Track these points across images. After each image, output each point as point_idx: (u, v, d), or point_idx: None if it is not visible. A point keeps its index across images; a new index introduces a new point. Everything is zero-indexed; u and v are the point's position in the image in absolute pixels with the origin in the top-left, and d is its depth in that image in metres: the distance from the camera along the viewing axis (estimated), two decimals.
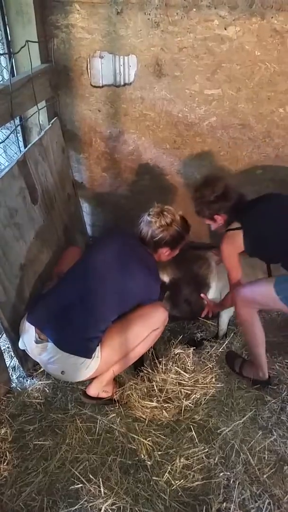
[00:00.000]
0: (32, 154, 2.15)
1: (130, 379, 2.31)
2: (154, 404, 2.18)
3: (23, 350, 2.11)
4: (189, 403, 2.18)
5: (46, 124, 2.45)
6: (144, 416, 2.12)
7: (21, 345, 2.07)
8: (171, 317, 2.31)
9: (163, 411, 2.15)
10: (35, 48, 2.25)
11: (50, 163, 2.35)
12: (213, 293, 2.61)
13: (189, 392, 2.23)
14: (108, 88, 2.45)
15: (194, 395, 2.21)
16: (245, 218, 2.25)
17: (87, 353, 1.93)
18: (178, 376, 2.31)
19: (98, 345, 1.96)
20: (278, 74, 2.22)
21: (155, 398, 2.21)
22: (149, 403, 2.18)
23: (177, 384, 2.26)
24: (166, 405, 2.18)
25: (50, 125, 2.40)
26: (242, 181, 2.64)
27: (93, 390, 2.14)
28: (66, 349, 1.92)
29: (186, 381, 2.28)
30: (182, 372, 2.32)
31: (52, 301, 2.04)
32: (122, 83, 2.42)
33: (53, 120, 2.44)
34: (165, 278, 2.50)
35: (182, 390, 2.24)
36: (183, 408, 2.16)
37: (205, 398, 2.21)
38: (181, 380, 2.28)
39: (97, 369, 1.97)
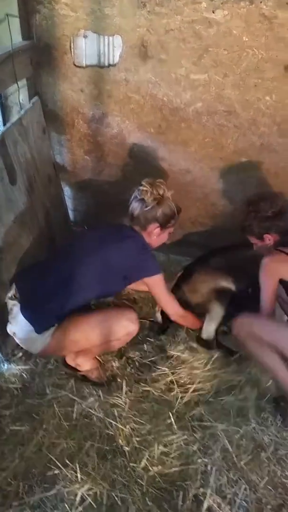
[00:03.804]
0: (11, 133, 2.08)
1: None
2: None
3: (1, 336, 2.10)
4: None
5: (26, 103, 2.37)
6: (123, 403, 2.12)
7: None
8: None
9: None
10: (16, 23, 2.16)
11: (30, 143, 2.28)
12: None
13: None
14: (92, 68, 2.38)
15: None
16: None
17: (40, 328, 1.94)
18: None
19: (53, 326, 1.98)
20: (265, 61, 2.18)
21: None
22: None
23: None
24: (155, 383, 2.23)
25: (31, 104, 2.32)
26: (226, 169, 2.62)
27: (67, 359, 2.23)
28: (25, 314, 1.95)
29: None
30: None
31: (37, 268, 2.14)
32: (106, 64, 2.35)
33: (33, 99, 2.37)
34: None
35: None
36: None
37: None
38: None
39: (44, 348, 2.00)
